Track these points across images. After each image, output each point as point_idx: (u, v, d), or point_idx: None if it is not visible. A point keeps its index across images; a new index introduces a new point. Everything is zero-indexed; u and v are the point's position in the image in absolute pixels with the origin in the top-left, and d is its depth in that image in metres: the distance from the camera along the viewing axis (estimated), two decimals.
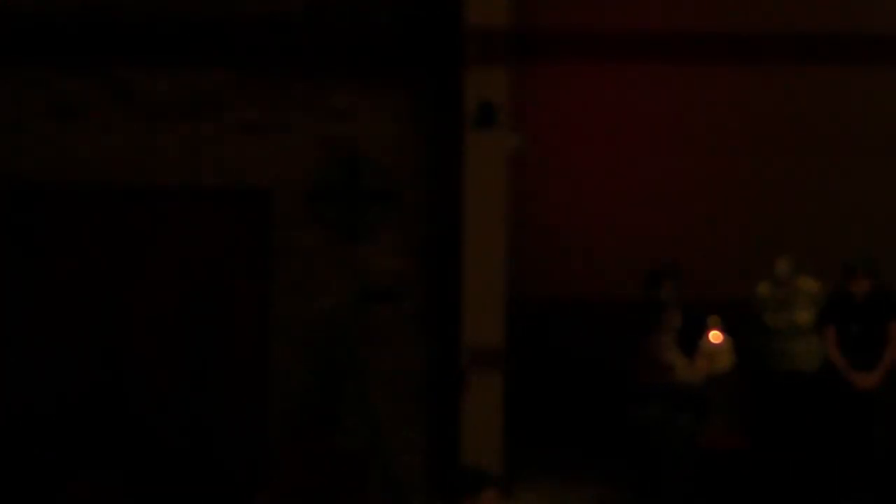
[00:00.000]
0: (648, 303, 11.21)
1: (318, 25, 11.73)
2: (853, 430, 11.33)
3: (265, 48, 11.72)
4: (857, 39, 13.42)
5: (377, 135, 11.79)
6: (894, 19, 13.38)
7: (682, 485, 10.80)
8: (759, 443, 11.59)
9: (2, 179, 11.73)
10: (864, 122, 13.46)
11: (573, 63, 13.48)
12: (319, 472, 11.26)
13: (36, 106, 11.73)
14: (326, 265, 11.77)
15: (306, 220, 11.77)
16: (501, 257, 11.53)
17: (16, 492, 11.53)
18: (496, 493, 7.59)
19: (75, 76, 11.72)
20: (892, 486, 11.39)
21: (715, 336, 10.82)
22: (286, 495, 11.11)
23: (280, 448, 11.60)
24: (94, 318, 11.82)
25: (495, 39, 11.48)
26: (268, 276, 11.80)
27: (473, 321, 11.49)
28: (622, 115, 13.49)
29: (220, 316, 11.88)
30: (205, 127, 11.77)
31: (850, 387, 11.32)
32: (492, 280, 11.49)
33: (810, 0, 13.40)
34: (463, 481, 7.65)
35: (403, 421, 11.73)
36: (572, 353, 13.30)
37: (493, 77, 11.49)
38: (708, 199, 13.48)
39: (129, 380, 11.83)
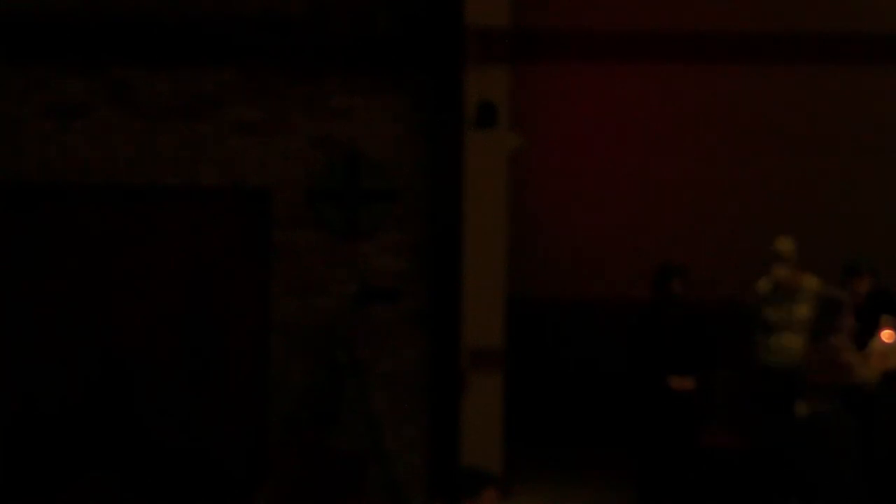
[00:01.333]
0: (660, 299, 11.24)
1: (318, 25, 11.74)
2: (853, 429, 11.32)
3: (265, 48, 11.72)
4: (857, 39, 13.42)
5: (377, 135, 11.80)
6: (894, 19, 13.38)
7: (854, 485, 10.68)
8: (758, 441, 11.58)
9: (2, 179, 11.73)
10: (864, 122, 13.46)
11: (573, 63, 13.48)
12: (319, 471, 11.27)
13: (36, 106, 11.73)
14: (326, 265, 11.77)
15: (306, 220, 11.77)
16: (501, 257, 11.54)
17: (17, 491, 11.53)
18: (496, 493, 7.59)
19: (75, 76, 11.73)
20: (892, 486, 11.38)
21: (888, 335, 10.84)
22: (285, 495, 11.11)
23: (280, 448, 11.60)
24: (94, 318, 11.82)
25: (495, 39, 11.49)
26: (268, 275, 11.80)
27: (473, 321, 11.49)
28: (622, 114, 13.50)
29: (219, 316, 11.88)
30: (205, 127, 11.77)
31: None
32: (492, 280, 11.49)
33: (810, 0, 13.41)
34: (463, 481, 7.66)
35: (403, 421, 11.74)
36: (572, 353, 13.31)
37: (494, 77, 11.49)
38: (708, 199, 13.49)
39: (129, 379, 11.82)
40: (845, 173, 13.43)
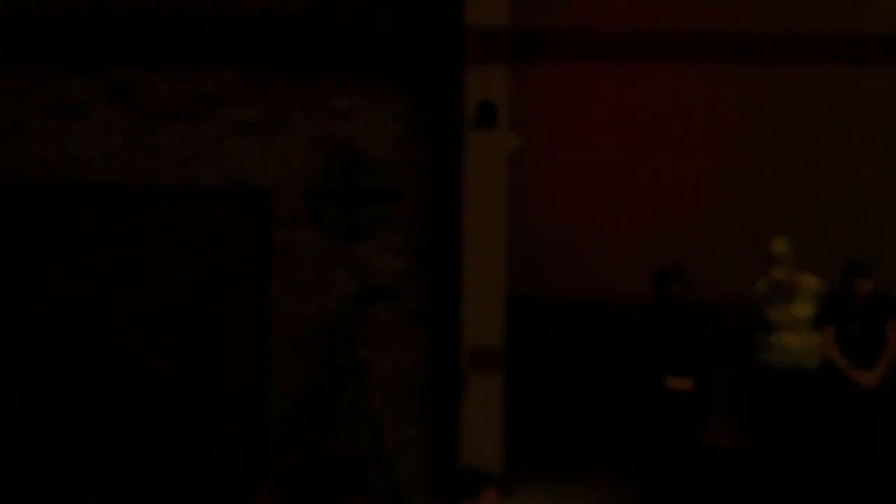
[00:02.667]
0: (659, 299, 11.24)
1: (318, 25, 11.74)
2: (853, 428, 11.33)
3: (265, 48, 11.72)
4: (857, 39, 13.42)
5: (377, 135, 11.80)
6: (894, 19, 13.38)
7: None
8: (758, 441, 11.58)
9: (2, 179, 11.73)
10: (864, 122, 13.46)
11: (573, 63, 13.48)
12: (319, 471, 11.27)
13: (36, 106, 11.73)
14: (326, 265, 11.77)
15: (306, 220, 11.77)
16: (501, 257, 11.54)
17: (17, 492, 11.53)
18: (496, 493, 7.59)
19: (75, 76, 11.73)
20: (892, 485, 11.38)
21: None
22: (285, 495, 11.12)
23: (280, 448, 11.60)
24: (94, 318, 11.82)
25: (495, 39, 11.49)
26: (268, 276, 11.80)
27: (473, 321, 11.49)
28: (622, 114, 13.50)
29: (219, 316, 11.88)
30: (205, 127, 11.78)
31: (850, 385, 11.32)
32: (492, 280, 11.49)
33: (811, 0, 13.40)
34: (463, 481, 7.66)
35: (403, 421, 11.74)
36: (571, 353, 13.31)
37: (494, 77, 11.49)
38: (707, 199, 13.49)
39: (129, 379, 11.83)
40: (845, 173, 13.43)
